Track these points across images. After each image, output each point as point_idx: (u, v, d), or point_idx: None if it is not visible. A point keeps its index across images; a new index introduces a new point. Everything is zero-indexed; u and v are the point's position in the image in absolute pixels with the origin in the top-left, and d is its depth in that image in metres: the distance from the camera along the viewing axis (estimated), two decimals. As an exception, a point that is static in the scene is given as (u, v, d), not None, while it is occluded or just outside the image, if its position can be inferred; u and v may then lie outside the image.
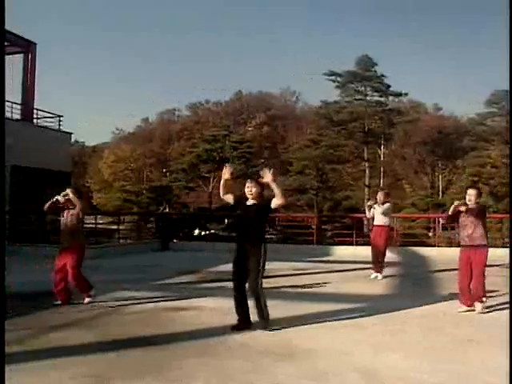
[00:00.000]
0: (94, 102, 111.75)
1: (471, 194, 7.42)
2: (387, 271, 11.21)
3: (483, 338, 5.97)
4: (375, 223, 11.13)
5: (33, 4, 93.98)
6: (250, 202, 6.33)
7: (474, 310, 7.31)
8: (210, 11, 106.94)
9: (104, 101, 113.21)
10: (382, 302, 8.12)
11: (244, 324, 6.25)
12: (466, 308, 7.39)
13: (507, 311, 7.06)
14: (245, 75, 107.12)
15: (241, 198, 6.44)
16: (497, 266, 10.83)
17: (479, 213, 7.37)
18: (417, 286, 10.01)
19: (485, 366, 4.92)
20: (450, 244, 26.54)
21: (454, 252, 16.04)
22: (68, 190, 7.89)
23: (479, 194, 7.53)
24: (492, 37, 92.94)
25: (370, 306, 7.64)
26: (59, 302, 7.70)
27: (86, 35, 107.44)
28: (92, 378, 4.51)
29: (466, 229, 7.33)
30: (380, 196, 11.24)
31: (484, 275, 7.33)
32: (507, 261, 7.82)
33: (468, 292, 7.36)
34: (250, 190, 6.31)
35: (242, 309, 6.30)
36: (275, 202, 6.20)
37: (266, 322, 6.23)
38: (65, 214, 7.88)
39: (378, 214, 11.05)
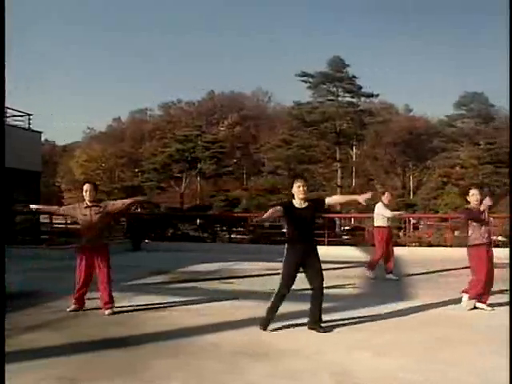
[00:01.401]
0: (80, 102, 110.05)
1: (476, 193, 7.44)
2: (360, 272, 11.31)
3: (468, 338, 6.04)
4: (383, 225, 10.93)
5: (33, 4, 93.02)
6: (301, 204, 6.18)
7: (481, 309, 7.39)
8: (210, 11, 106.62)
9: (103, 101, 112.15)
10: (358, 302, 8.15)
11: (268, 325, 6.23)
12: (471, 304, 7.43)
13: (494, 312, 7.24)
14: (245, 75, 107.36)
15: (287, 203, 6.28)
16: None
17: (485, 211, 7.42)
18: (392, 287, 10.08)
19: (468, 366, 4.98)
20: (420, 244, 26.90)
21: (425, 251, 16.55)
22: (86, 186, 7.30)
23: (481, 193, 7.53)
24: (492, 37, 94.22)
25: (345, 305, 7.67)
26: (74, 307, 7.25)
27: (86, 35, 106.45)
28: (65, 380, 4.46)
29: (484, 226, 7.36)
30: (388, 197, 11.11)
31: None
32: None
33: (486, 288, 7.41)
34: (302, 189, 6.16)
35: (276, 310, 6.24)
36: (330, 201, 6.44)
37: (321, 321, 6.25)
38: (87, 211, 7.23)
39: (385, 216, 10.92)
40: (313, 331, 6.15)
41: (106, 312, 7.13)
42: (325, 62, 56.56)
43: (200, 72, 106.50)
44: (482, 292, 7.42)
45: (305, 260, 6.18)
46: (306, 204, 6.19)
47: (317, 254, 6.27)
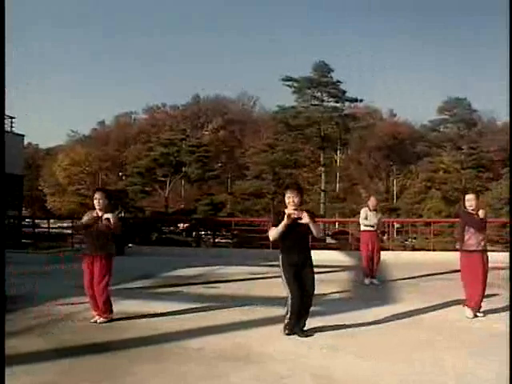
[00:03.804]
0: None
1: (471, 198, 7.29)
2: (344, 276, 11.32)
3: (450, 342, 6.07)
4: (369, 229, 10.96)
5: (33, 4, 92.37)
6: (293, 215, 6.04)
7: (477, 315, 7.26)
8: (210, 11, 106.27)
9: (104, 103, 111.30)
10: (341, 306, 8.16)
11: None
12: (473, 314, 7.25)
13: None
14: (245, 75, 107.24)
15: (280, 215, 6.11)
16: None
17: (484, 218, 7.36)
18: (375, 291, 10.11)
19: (444, 370, 5.01)
20: (404, 248, 27.06)
21: (409, 256, 16.54)
22: (97, 194, 7.09)
23: (478, 198, 7.42)
24: (492, 37, 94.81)
25: (329, 309, 7.67)
26: (97, 319, 6.93)
27: (85, 36, 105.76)
28: (45, 386, 4.41)
29: (481, 233, 7.26)
30: (373, 201, 11.16)
31: None
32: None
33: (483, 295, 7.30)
34: (292, 200, 6.08)
35: (299, 313, 6.13)
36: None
37: (304, 327, 6.24)
38: (94, 220, 7.00)
39: (372, 220, 10.94)
40: (296, 335, 6.14)
41: (98, 320, 6.92)
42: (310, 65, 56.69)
43: (196, 75, 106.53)
44: (473, 298, 7.28)
45: (299, 270, 6.13)
46: (309, 220, 6.03)
47: (311, 262, 6.24)
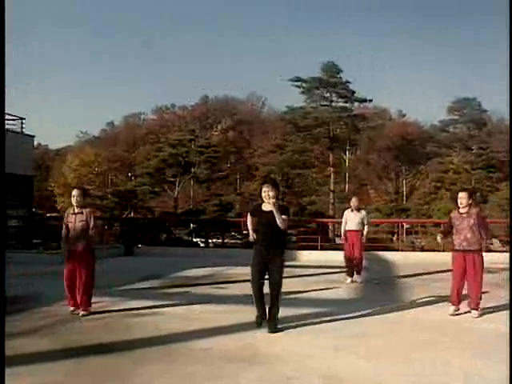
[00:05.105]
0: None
1: (462, 196, 7.40)
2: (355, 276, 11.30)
3: (453, 342, 6.03)
4: (350, 228, 11.11)
5: (33, 4, 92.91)
6: (267, 207, 6.39)
7: (464, 313, 7.39)
8: (210, 11, 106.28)
9: (98, 104, 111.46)
10: (347, 306, 8.12)
11: (262, 319, 6.48)
12: (454, 308, 7.42)
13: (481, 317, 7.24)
14: (245, 76, 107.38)
15: (255, 208, 6.70)
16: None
17: (476, 217, 7.38)
18: (380, 291, 10.08)
19: (448, 370, 4.97)
20: (413, 249, 26.98)
21: (418, 256, 16.53)
22: (74, 191, 7.53)
23: (470, 196, 7.49)
24: (492, 37, 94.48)
25: (335, 310, 7.64)
26: (72, 309, 7.43)
27: (86, 36, 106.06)
28: (50, 386, 4.41)
29: (463, 233, 7.32)
30: (354, 202, 11.29)
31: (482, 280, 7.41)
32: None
33: (459, 295, 7.39)
34: (267, 193, 6.39)
35: (262, 305, 6.49)
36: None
37: (276, 322, 6.41)
38: (72, 218, 7.43)
39: (353, 220, 11.10)
40: (302, 336, 6.15)
41: (80, 313, 7.28)
42: (319, 66, 56.49)
43: (199, 75, 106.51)
44: (455, 296, 7.41)
45: (268, 262, 6.41)
46: (273, 207, 6.36)
47: (280, 256, 6.45)
